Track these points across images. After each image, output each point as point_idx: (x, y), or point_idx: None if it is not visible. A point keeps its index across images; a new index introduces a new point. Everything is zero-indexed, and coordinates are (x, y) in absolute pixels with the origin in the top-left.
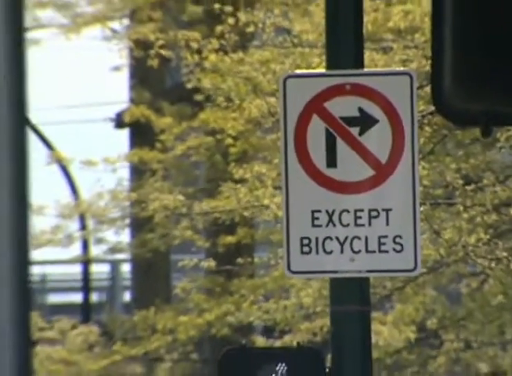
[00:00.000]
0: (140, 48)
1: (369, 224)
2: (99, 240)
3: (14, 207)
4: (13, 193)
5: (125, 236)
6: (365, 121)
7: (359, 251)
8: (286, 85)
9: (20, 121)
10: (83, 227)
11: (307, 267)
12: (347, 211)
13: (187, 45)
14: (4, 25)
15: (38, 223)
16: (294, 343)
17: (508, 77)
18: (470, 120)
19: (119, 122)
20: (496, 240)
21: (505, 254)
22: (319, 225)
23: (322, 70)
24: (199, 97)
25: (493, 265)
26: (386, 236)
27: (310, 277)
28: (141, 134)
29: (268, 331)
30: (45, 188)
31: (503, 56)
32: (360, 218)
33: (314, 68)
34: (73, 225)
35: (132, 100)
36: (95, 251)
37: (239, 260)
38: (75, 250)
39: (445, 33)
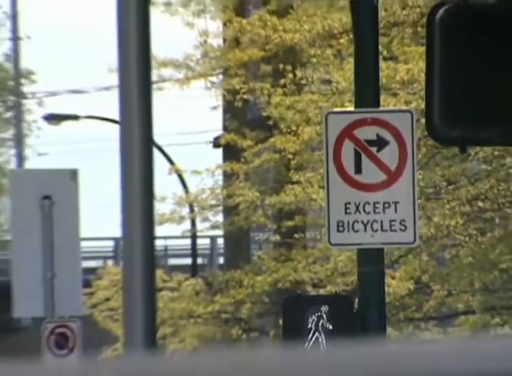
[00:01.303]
0: (230, 94)
1: (384, 212)
2: (204, 219)
3: (144, 198)
4: (143, 188)
5: (220, 218)
6: (380, 143)
7: (377, 230)
8: (327, 118)
9: (148, 143)
10: (191, 211)
11: (342, 241)
12: (369, 203)
13: (261, 92)
14: (137, 79)
15: (161, 209)
16: (333, 291)
17: (475, 116)
18: (452, 142)
19: (216, 144)
20: (469, 223)
21: (474, 232)
22: (350, 213)
23: (351, 109)
24: (269, 126)
25: (466, 239)
26: (395, 220)
27: (344, 248)
28: (231, 151)
29: (315, 285)
30: (166, 185)
31: (474, 102)
32: (377, 207)
33: (346, 107)
34: (185, 210)
35: (225, 128)
36: (200, 228)
37: (296, 236)
38: (186, 227)
39: (434, 84)
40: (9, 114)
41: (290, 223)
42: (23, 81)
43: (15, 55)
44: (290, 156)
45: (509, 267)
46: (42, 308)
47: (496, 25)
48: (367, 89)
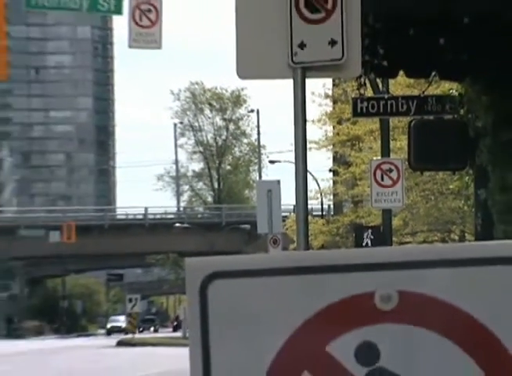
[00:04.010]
0: (335, 153)
1: (391, 195)
2: (325, 198)
3: (303, 190)
4: (302, 186)
5: (331, 197)
6: (390, 170)
7: (389, 202)
8: (371, 162)
9: (305, 171)
10: (320, 195)
11: (376, 205)
12: (386, 192)
13: (347, 152)
14: (301, 147)
15: (309, 194)
16: (373, 224)
17: (426, 161)
18: (417, 170)
19: (330, 170)
20: (423, 199)
21: (425, 202)
22: (379, 195)
23: (379, 158)
24: (349, 164)
25: (422, 204)
26: (395, 198)
27: (377, 208)
28: (335, 173)
29: (366, 223)
30: (311, 186)
31: (426, 156)
32: (389, 194)
33: (377, 156)
34: (318, 195)
35: (333, 164)
36: (324, 201)
37: (358, 204)
38: (318, 201)
39: (411, 149)
40: (256, 161)
41: (356, 199)
42: (262, 149)
43: (258, 138)
44: (357, 174)
45: (438, 215)
46: (267, 229)
47: (441, 127)
48: (386, 151)
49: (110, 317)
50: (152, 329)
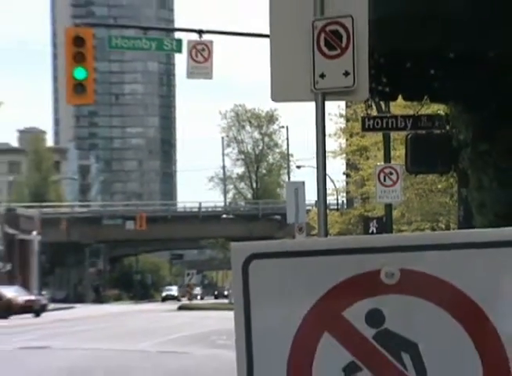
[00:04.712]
0: (349, 160)
1: (392, 192)
2: (339, 195)
3: (323, 188)
4: (322, 186)
5: (344, 194)
6: (391, 173)
7: (390, 198)
8: (376, 166)
9: (324, 176)
10: (336, 192)
11: (380, 200)
12: (388, 190)
13: (356, 159)
14: (321, 161)
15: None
16: (377, 215)
17: (419, 166)
18: (413, 173)
19: (344, 173)
20: (417, 196)
21: (418, 198)
22: (383, 192)
23: (383, 163)
24: (359, 168)
25: (417, 199)
26: (395, 194)
27: (381, 202)
28: (348, 176)
29: (373, 215)
30: (329, 185)
31: (418, 162)
32: (391, 191)
33: (380, 161)
34: (334, 191)
35: (347, 169)
36: (339, 197)
37: (366, 199)
38: (334, 196)
39: (408, 156)
40: (285, 166)
41: (364, 196)
42: (290, 157)
43: (287, 148)
44: (365, 176)
45: (428, 209)
46: (294, 219)
47: (431, 139)
48: (387, 158)
49: (165, 287)
50: (198, 297)
